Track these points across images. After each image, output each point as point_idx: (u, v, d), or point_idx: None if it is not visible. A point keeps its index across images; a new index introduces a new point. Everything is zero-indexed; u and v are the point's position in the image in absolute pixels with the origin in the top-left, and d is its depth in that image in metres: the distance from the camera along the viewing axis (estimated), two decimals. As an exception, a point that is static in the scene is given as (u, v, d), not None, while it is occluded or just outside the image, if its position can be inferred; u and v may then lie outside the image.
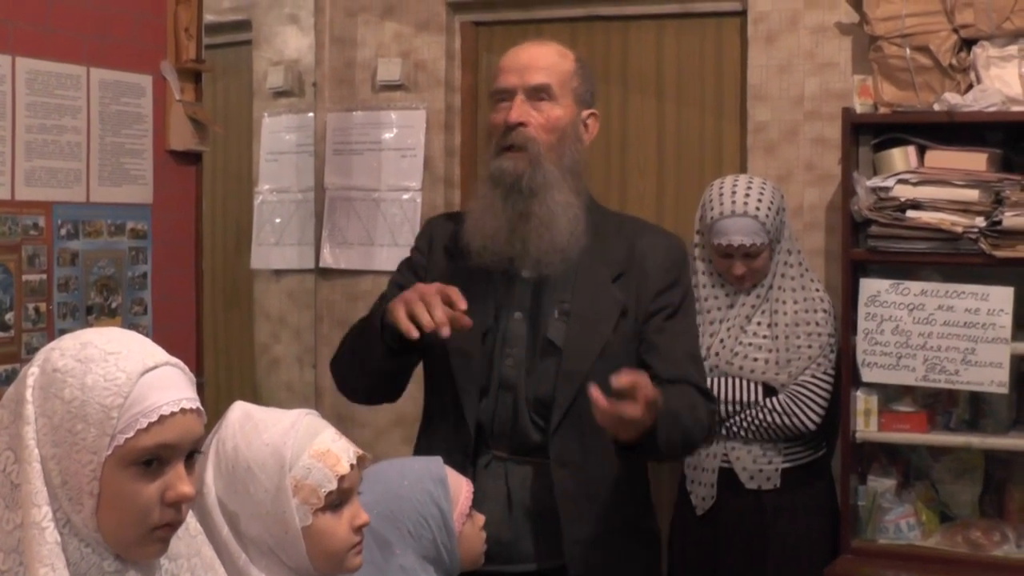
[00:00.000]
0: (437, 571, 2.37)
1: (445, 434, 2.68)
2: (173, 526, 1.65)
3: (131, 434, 1.58)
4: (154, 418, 1.59)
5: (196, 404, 1.65)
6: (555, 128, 2.71)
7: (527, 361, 2.73)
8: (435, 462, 2.45)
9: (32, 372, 1.63)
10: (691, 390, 2.76)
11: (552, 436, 2.68)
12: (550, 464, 2.69)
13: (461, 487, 2.44)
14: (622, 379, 2.41)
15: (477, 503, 2.61)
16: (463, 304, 2.49)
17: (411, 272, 2.88)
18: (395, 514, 2.33)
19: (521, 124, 2.68)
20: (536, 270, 2.71)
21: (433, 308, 2.48)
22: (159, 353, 1.66)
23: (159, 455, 1.61)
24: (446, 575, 2.40)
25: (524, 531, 2.70)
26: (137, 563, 1.67)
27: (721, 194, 3.60)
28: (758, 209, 3.55)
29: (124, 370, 1.60)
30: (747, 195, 3.57)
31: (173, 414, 1.61)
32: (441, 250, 2.85)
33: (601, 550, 2.70)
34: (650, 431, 2.51)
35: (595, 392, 2.40)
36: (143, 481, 1.60)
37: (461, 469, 2.56)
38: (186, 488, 1.63)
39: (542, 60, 2.74)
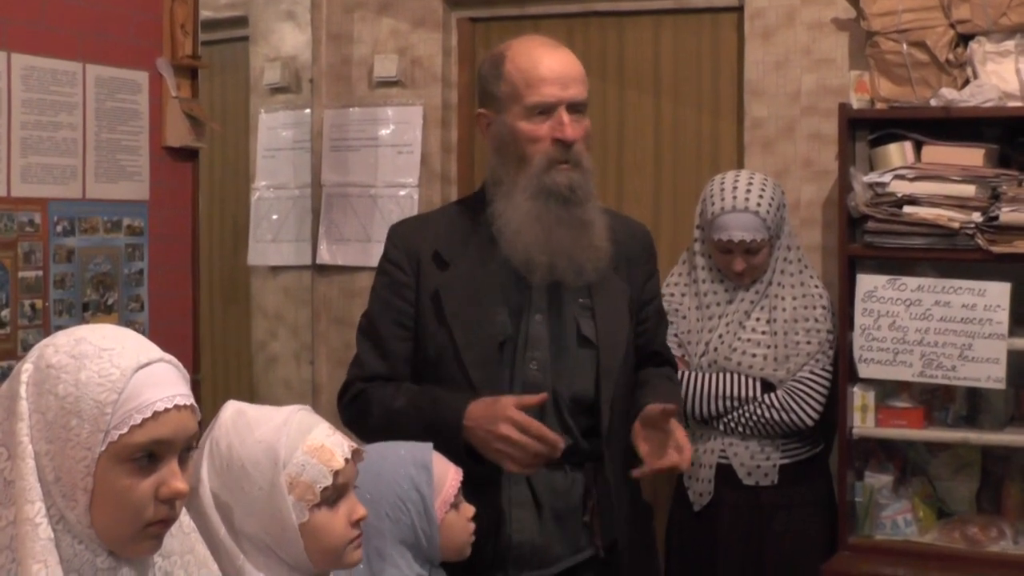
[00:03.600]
0: (415, 558, 2.36)
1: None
2: (167, 523, 1.65)
3: (125, 430, 1.58)
4: (148, 414, 1.59)
5: (190, 400, 1.65)
6: (587, 138, 2.75)
7: (553, 361, 2.72)
8: (422, 448, 2.43)
9: (26, 368, 1.63)
10: (673, 374, 3.02)
11: (605, 432, 2.72)
12: (599, 459, 2.74)
13: (447, 474, 2.42)
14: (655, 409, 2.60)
15: (506, 511, 2.65)
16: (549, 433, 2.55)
17: (400, 299, 2.80)
18: (373, 496, 2.31)
19: (576, 140, 2.69)
20: (582, 278, 2.71)
21: (529, 448, 2.55)
22: (153, 350, 1.66)
23: (153, 451, 1.61)
24: (426, 562, 2.39)
25: (555, 533, 2.70)
26: (130, 560, 1.66)
27: (722, 189, 3.60)
28: (759, 205, 3.55)
29: (118, 366, 1.60)
30: (748, 191, 3.57)
31: (167, 410, 1.61)
32: (429, 262, 2.77)
33: (630, 537, 2.78)
34: None
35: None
36: (137, 477, 1.60)
37: (489, 478, 2.58)
38: (180, 484, 1.63)
39: (576, 71, 2.73)
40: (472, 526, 2.46)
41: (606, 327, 2.74)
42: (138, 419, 1.59)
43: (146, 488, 1.61)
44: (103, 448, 1.58)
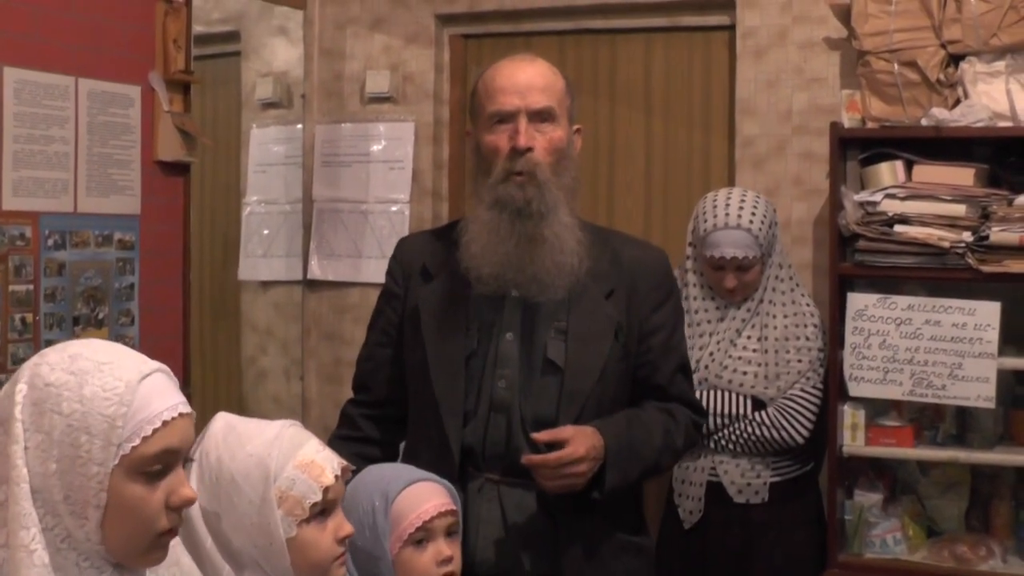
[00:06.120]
0: None
1: (429, 459, 2.59)
2: (174, 532, 1.67)
3: (137, 442, 1.59)
4: (158, 424, 1.61)
5: (189, 408, 1.67)
6: (556, 150, 2.69)
7: (522, 382, 2.69)
8: (398, 477, 2.39)
9: (19, 389, 1.62)
10: (677, 408, 2.83)
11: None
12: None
13: (413, 510, 2.34)
14: (542, 436, 2.54)
15: (472, 527, 2.60)
16: None
17: (390, 308, 2.89)
18: (344, 507, 2.25)
19: (529, 149, 2.65)
20: (544, 294, 2.67)
21: None
22: (148, 360, 1.67)
23: (164, 461, 1.62)
24: None
25: (521, 554, 2.66)
26: (133, 571, 1.68)
27: (715, 206, 3.61)
28: (751, 222, 3.56)
29: (121, 379, 1.61)
30: (741, 208, 3.58)
31: (174, 419, 1.63)
32: (417, 274, 2.83)
33: (598, 565, 2.70)
34: (600, 475, 2.61)
35: (530, 459, 2.53)
36: (149, 488, 1.61)
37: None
38: (189, 492, 1.65)
39: (540, 80, 2.70)
40: (441, 570, 2.35)
41: (577, 352, 2.69)
42: (149, 430, 1.60)
43: (158, 498, 1.62)
44: (116, 462, 1.58)
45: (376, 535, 2.31)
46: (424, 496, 2.36)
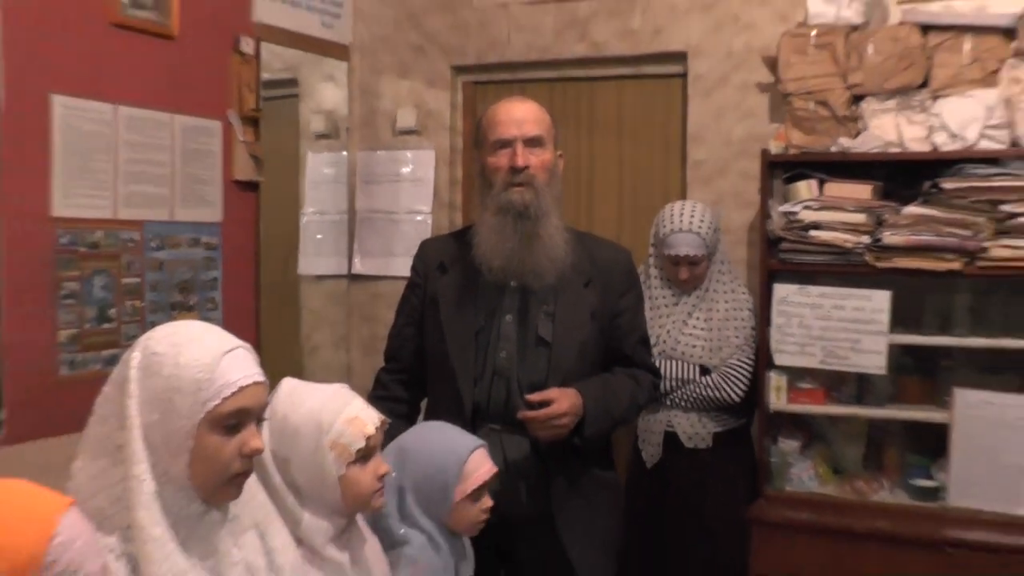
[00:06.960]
0: (427, 517, 2.31)
1: (447, 414, 2.62)
2: (247, 474, 1.72)
3: (218, 401, 1.64)
4: (235, 388, 1.65)
5: (263, 377, 1.72)
6: (547, 168, 2.74)
7: (519, 354, 2.74)
8: (466, 444, 2.37)
9: (134, 356, 1.67)
10: (640, 373, 2.91)
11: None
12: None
13: (477, 472, 2.34)
14: (534, 397, 2.62)
15: None
16: None
17: (414, 296, 2.92)
18: (419, 462, 2.30)
19: (526, 166, 2.70)
20: (538, 281, 2.72)
21: None
22: (233, 338, 1.72)
23: (239, 418, 1.67)
24: (439, 526, 2.33)
25: (517, 487, 2.72)
26: (215, 506, 1.73)
27: (671, 214, 3.66)
28: (700, 227, 3.61)
29: (209, 351, 1.66)
30: (692, 216, 3.63)
31: (248, 386, 1.67)
32: (436, 268, 2.86)
33: (579, 495, 2.78)
34: (580, 426, 2.68)
35: (525, 414, 2.61)
36: (225, 439, 1.66)
37: None
38: (258, 443, 1.70)
39: (532, 115, 2.76)
40: (484, 516, 2.37)
41: (561, 330, 2.73)
42: (227, 393, 1.64)
43: (232, 447, 1.67)
44: (202, 416, 1.63)
45: (445, 485, 2.31)
46: (483, 460, 2.39)
